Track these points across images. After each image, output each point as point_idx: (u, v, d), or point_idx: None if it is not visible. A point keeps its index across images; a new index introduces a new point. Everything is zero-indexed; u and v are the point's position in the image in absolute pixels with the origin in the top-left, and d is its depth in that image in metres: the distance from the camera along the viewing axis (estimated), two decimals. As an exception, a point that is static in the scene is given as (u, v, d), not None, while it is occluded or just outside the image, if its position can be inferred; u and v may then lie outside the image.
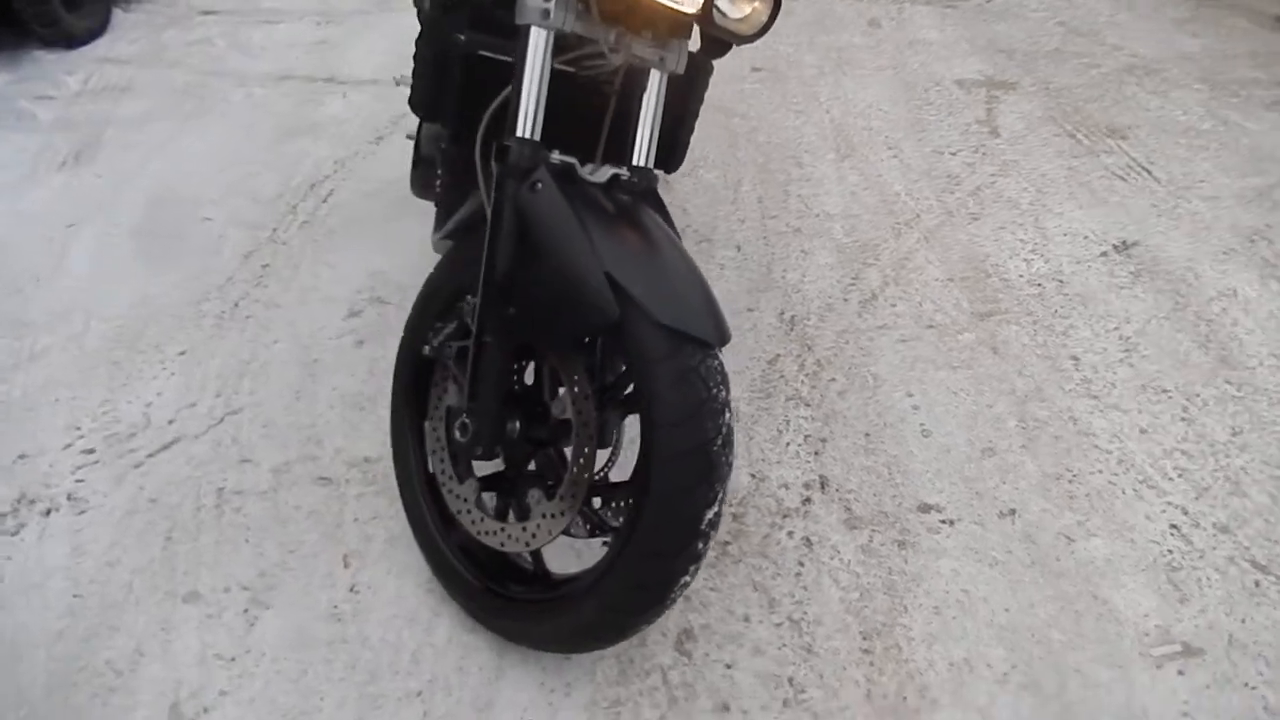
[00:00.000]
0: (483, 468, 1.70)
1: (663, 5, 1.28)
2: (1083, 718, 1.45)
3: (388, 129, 3.39)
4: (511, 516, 1.49)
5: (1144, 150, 3.20)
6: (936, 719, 1.44)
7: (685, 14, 1.31)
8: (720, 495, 1.26)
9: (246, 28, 4.47)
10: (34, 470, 1.87)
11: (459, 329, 1.48)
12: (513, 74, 1.37)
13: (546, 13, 1.31)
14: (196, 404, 2.06)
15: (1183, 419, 2.05)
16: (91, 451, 1.93)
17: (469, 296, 1.46)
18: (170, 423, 2.01)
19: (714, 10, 1.32)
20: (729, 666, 1.51)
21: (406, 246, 2.63)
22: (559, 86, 1.37)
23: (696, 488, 1.24)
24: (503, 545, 1.44)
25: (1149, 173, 3.06)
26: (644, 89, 1.47)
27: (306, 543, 1.73)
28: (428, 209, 2.80)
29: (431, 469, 1.61)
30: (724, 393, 1.27)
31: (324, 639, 1.55)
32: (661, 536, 1.25)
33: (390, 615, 1.59)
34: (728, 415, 1.27)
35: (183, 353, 2.22)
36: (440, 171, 1.84)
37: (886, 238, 2.70)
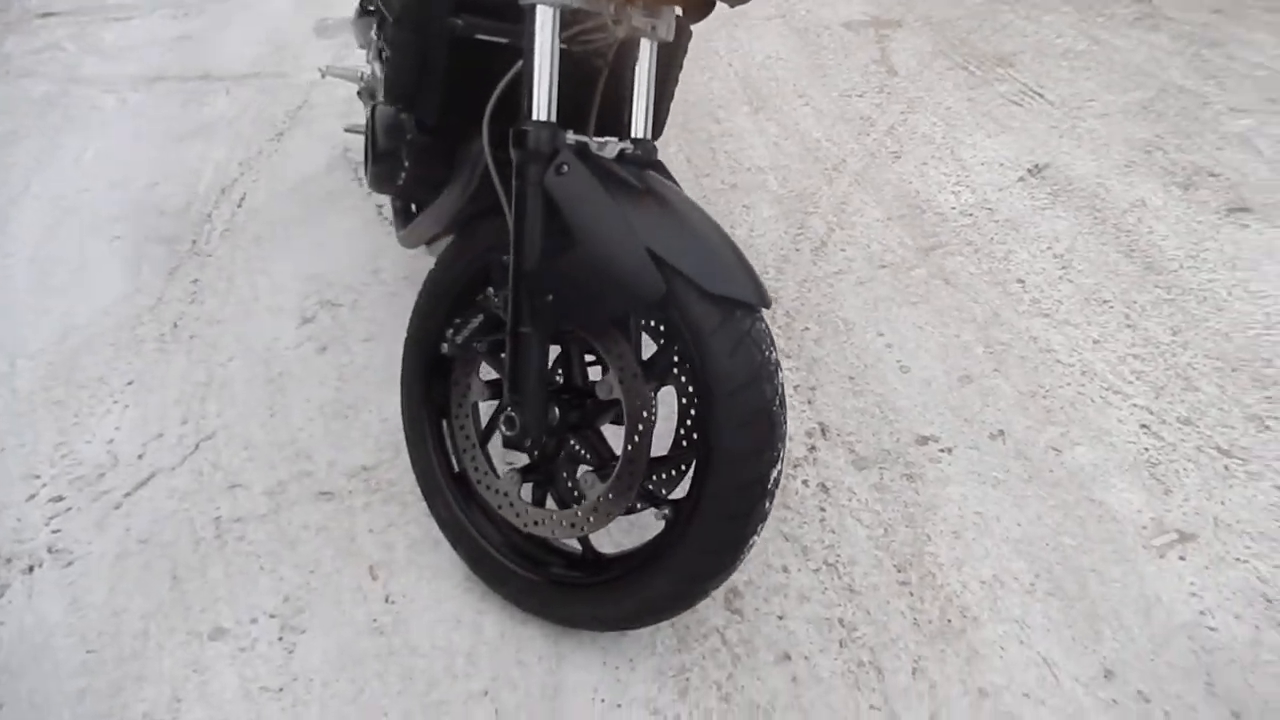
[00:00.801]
0: (511, 458, 1.68)
1: None
2: (1106, 613, 1.56)
3: (286, 124, 3.23)
4: (551, 504, 1.49)
5: (1032, 75, 3.37)
6: (981, 635, 1.53)
7: None
8: (782, 454, 1.29)
9: (95, 28, 4.16)
10: (0, 528, 1.73)
11: (486, 323, 1.44)
12: (519, 55, 1.34)
13: None
14: (163, 434, 1.95)
15: (1127, 326, 2.20)
16: (60, 499, 1.80)
17: (489, 289, 1.43)
18: (140, 457, 1.89)
19: None
20: (781, 618, 1.56)
21: (343, 246, 2.53)
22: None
23: (763, 450, 1.26)
24: (554, 534, 1.44)
25: (1042, 96, 3.23)
26: (635, 60, 1.46)
27: (324, 560, 1.67)
28: (358, 205, 2.71)
29: (459, 467, 1.58)
30: (774, 354, 1.29)
31: (371, 654, 1.51)
32: (732, 501, 1.27)
33: (434, 620, 1.56)
34: (780, 375, 1.29)
35: (130, 382, 2.09)
36: (407, 164, 1.77)
37: (820, 185, 2.77)
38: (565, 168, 1.30)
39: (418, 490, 1.78)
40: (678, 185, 1.44)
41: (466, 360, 1.50)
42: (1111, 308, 2.26)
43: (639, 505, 1.41)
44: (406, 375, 1.64)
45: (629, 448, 1.34)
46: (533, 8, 1.31)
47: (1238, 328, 2.17)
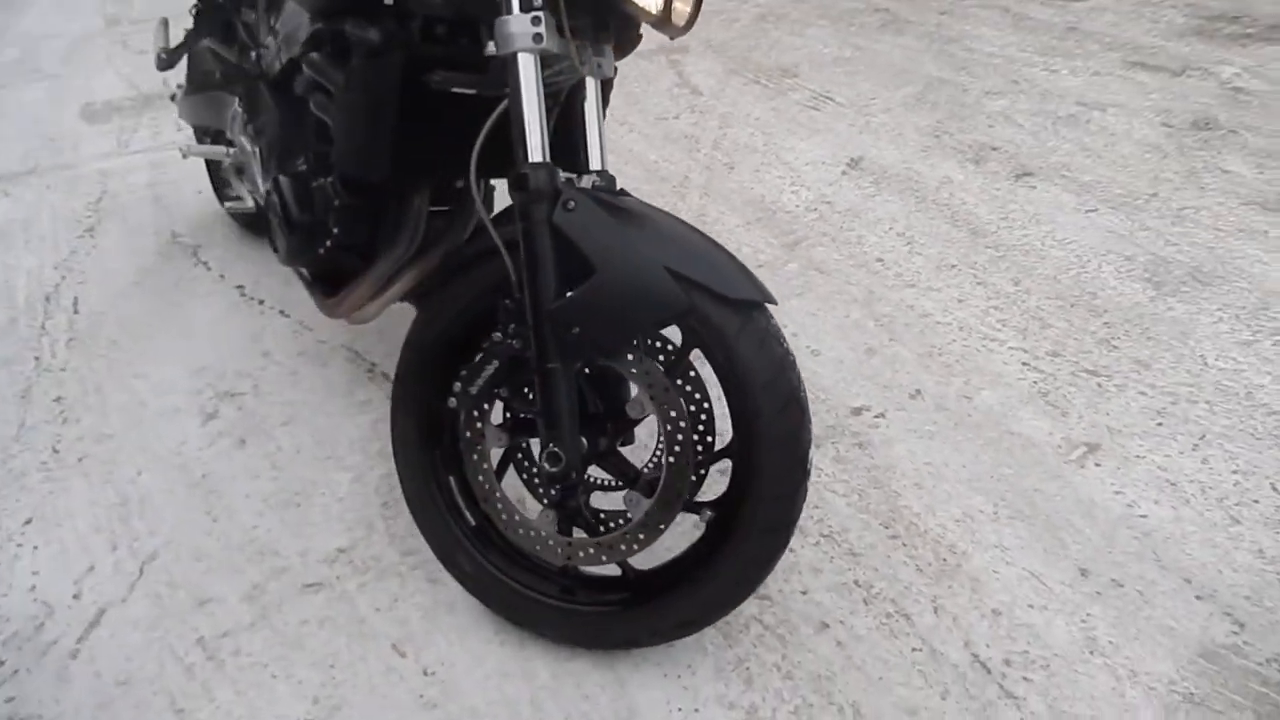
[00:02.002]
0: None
1: (637, 7, 1.35)
2: (1060, 523, 1.80)
3: (92, 218, 2.97)
4: (578, 533, 1.51)
5: (818, 82, 3.73)
6: (974, 565, 1.71)
7: (651, 16, 1.39)
8: (811, 437, 1.40)
9: None
10: (-61, 711, 1.51)
11: (505, 367, 1.44)
12: (478, 104, 1.38)
13: (539, 36, 1.33)
14: (94, 567, 1.76)
15: (978, 284, 2.51)
16: (1, 663, 1.58)
17: (495, 335, 1.44)
18: (76, 597, 1.70)
19: (670, 9, 1.42)
20: (804, 592, 1.67)
21: (217, 334, 2.38)
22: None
23: (799, 434, 1.37)
24: (602, 560, 1.46)
25: (832, 100, 3.59)
26: (582, 98, 1.53)
27: (341, 651, 1.59)
28: (213, 290, 2.56)
29: (475, 520, 1.56)
30: (789, 345, 1.41)
31: (431, 730, 1.46)
32: (780, 484, 1.37)
33: (482, 678, 1.53)
34: (797, 364, 1.40)
35: (28, 520, 1.87)
36: (336, 231, 1.73)
37: (674, 201, 2.93)
38: (572, 204, 1.35)
39: (408, 560, 1.75)
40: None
41: (475, 411, 1.49)
42: (960, 271, 2.57)
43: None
44: (403, 443, 1.60)
45: (670, 460, 1.40)
46: (514, 56, 1.35)
47: (1061, 270, 2.54)
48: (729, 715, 1.47)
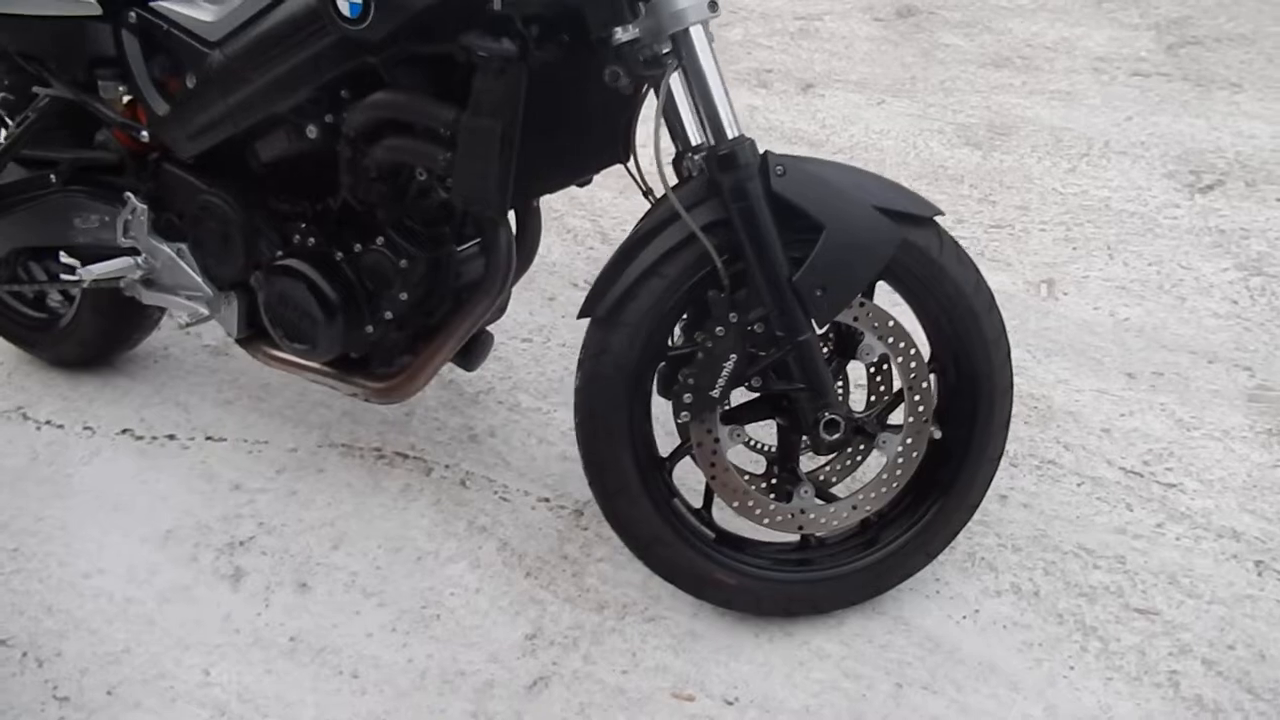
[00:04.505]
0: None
1: None
2: (1083, 346, 2.08)
3: None
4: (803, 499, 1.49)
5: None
6: (1057, 402, 1.94)
7: None
8: None
9: None
10: None
11: (742, 360, 1.35)
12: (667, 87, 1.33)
13: (714, 4, 1.26)
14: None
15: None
16: None
17: (698, 335, 1.36)
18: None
19: None
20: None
21: (150, 491, 1.92)
22: None
23: (1003, 329, 1.48)
24: (871, 508, 1.47)
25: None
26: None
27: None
28: (97, 448, 2.02)
29: (716, 531, 1.49)
30: None
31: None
32: (1003, 374, 1.47)
33: (784, 679, 1.47)
34: None
35: None
36: (405, 297, 1.50)
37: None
38: (781, 169, 1.32)
39: (609, 613, 1.62)
40: None
41: (712, 414, 1.39)
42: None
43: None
44: (617, 489, 1.43)
45: (911, 419, 1.43)
46: (685, 32, 1.27)
47: (903, 154, 2.86)
48: (1003, 601, 1.57)
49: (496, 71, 1.26)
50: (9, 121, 1.84)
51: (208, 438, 2.04)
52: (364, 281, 1.52)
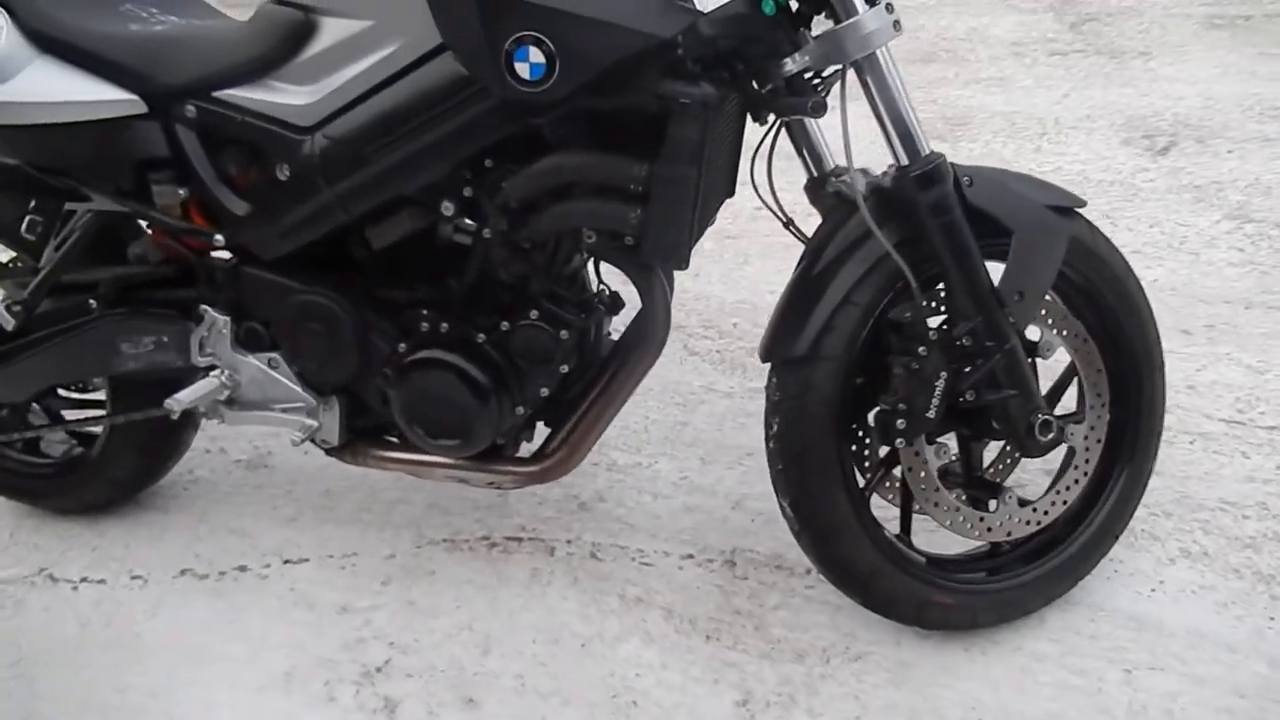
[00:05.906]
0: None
1: None
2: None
3: None
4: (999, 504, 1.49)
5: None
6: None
7: None
8: None
9: None
10: None
11: (951, 376, 1.32)
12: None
13: (898, 23, 1.24)
14: None
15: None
16: None
17: (892, 362, 1.33)
18: None
19: None
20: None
21: (269, 640, 1.72)
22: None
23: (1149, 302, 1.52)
24: (1067, 499, 1.48)
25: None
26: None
27: None
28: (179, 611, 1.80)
29: (927, 554, 1.47)
30: None
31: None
32: (1158, 383, 1.53)
33: (1017, 691, 1.45)
34: None
35: None
36: (566, 369, 1.40)
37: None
38: (968, 179, 1.31)
39: (811, 663, 1.56)
40: None
41: (923, 436, 1.36)
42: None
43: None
44: (832, 533, 1.38)
45: (1094, 408, 1.46)
46: (870, 56, 1.25)
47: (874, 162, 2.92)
48: (1179, 567, 1.61)
49: (693, 117, 1.19)
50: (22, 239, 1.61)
51: (285, 561, 1.84)
52: (515, 360, 1.41)
